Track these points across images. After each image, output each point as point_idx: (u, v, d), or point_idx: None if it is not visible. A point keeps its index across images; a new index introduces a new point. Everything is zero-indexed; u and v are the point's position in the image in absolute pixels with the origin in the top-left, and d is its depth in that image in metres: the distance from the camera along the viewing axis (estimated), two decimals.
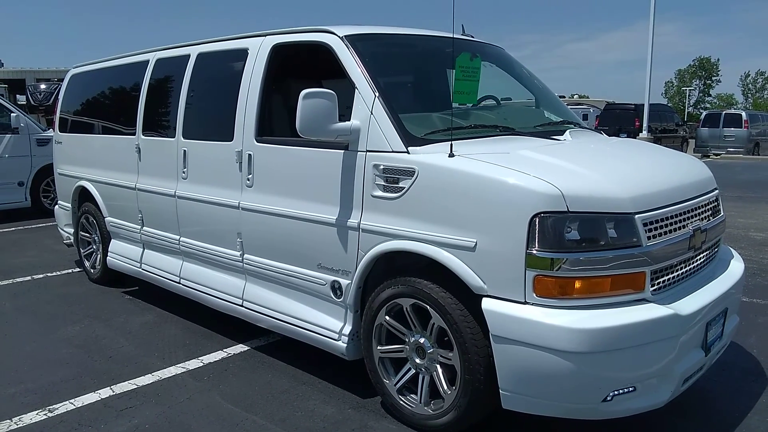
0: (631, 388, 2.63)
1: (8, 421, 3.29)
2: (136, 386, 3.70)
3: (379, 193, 3.14)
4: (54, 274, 6.35)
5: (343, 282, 3.36)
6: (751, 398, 3.45)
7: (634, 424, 3.09)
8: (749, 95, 75.14)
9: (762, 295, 5.29)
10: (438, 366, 3.04)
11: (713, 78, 74.47)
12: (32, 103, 22.61)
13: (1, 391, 3.65)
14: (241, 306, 4.08)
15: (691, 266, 3.02)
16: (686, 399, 3.26)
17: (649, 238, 2.71)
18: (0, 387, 3.71)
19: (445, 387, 3.00)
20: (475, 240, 2.74)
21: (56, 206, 6.60)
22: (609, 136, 4.50)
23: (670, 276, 2.85)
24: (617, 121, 22.12)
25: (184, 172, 4.45)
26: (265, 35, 3.98)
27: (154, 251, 5.00)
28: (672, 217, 2.88)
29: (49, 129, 9.84)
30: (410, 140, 3.10)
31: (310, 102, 3.12)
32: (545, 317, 2.57)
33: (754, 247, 7.19)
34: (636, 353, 2.61)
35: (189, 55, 4.58)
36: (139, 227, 5.06)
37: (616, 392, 2.61)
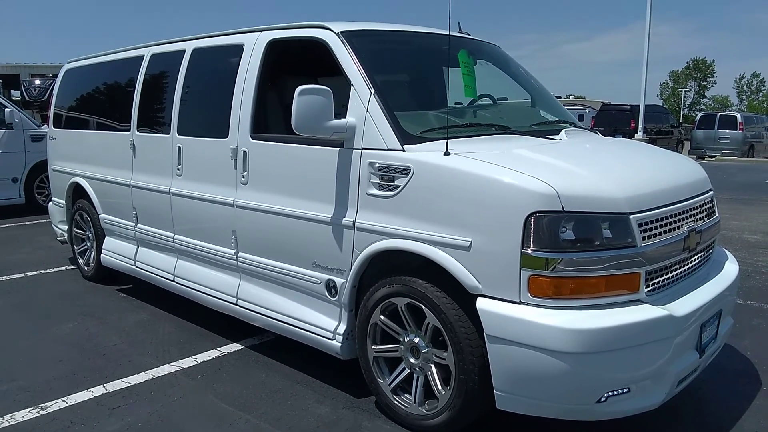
0: (625, 390, 2.62)
1: (0, 418, 3.26)
2: (129, 384, 3.67)
3: (375, 191, 3.12)
4: (48, 271, 6.31)
5: (338, 281, 3.35)
6: (745, 400, 3.45)
7: (629, 426, 3.09)
8: (744, 97, 75.32)
9: (756, 298, 5.30)
10: (432, 366, 3.03)
11: (708, 80, 74.61)
12: (27, 98, 22.51)
13: None
14: (236, 304, 4.06)
15: (686, 267, 3.02)
16: (680, 401, 3.26)
17: (644, 238, 2.71)
18: None
19: (440, 387, 2.99)
20: (470, 239, 2.73)
21: (50, 203, 6.57)
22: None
23: (665, 277, 2.84)
24: (613, 121, 22.14)
25: (178, 169, 4.43)
26: (260, 31, 3.96)
27: (149, 249, 4.97)
28: (667, 217, 2.87)
29: (43, 125, 9.78)
30: (406, 138, 3.09)
31: (306, 99, 3.10)
32: (540, 317, 2.56)
33: (748, 249, 7.21)
34: (630, 354, 2.60)
35: (184, 51, 4.56)
36: (134, 224, 5.04)
37: (610, 393, 2.60)
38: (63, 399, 3.48)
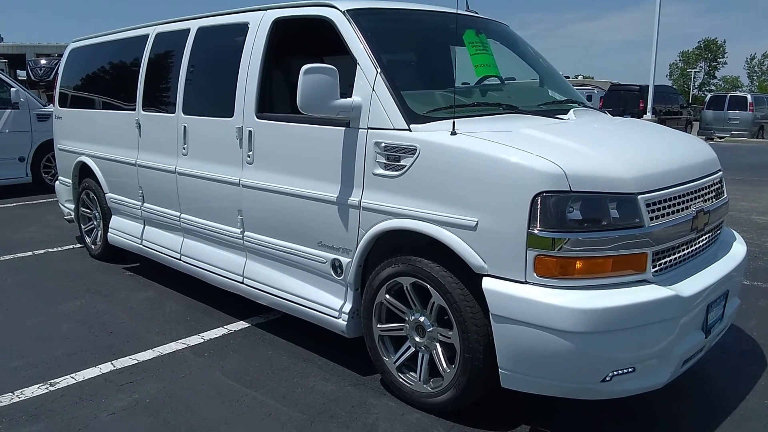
0: (630, 369, 2.63)
1: (10, 394, 3.31)
2: (136, 361, 3.71)
3: (381, 171, 3.11)
4: (55, 249, 6.35)
5: (344, 260, 3.35)
6: (750, 381, 3.46)
7: (633, 405, 3.10)
8: (755, 78, 74.33)
9: (763, 279, 5.28)
10: (437, 344, 3.04)
11: (719, 60, 73.63)
12: (32, 78, 22.54)
13: (2, 365, 3.67)
14: (242, 283, 4.08)
15: (694, 248, 3.01)
16: (685, 381, 3.27)
17: (651, 218, 2.69)
18: (2, 361, 3.73)
19: (445, 365, 3.01)
20: (476, 219, 2.73)
21: (57, 182, 6.59)
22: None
23: (672, 257, 2.83)
24: (622, 102, 21.90)
25: (184, 149, 4.42)
26: (266, 9, 3.92)
27: (155, 228, 4.99)
28: (675, 198, 2.85)
29: (49, 104, 9.79)
30: (412, 117, 3.07)
31: (311, 78, 3.08)
32: (546, 297, 2.56)
33: (757, 230, 7.17)
34: (636, 334, 2.60)
35: (189, 30, 4.52)
36: (140, 203, 5.05)
37: (615, 373, 2.61)
38: (71, 375, 3.52)
